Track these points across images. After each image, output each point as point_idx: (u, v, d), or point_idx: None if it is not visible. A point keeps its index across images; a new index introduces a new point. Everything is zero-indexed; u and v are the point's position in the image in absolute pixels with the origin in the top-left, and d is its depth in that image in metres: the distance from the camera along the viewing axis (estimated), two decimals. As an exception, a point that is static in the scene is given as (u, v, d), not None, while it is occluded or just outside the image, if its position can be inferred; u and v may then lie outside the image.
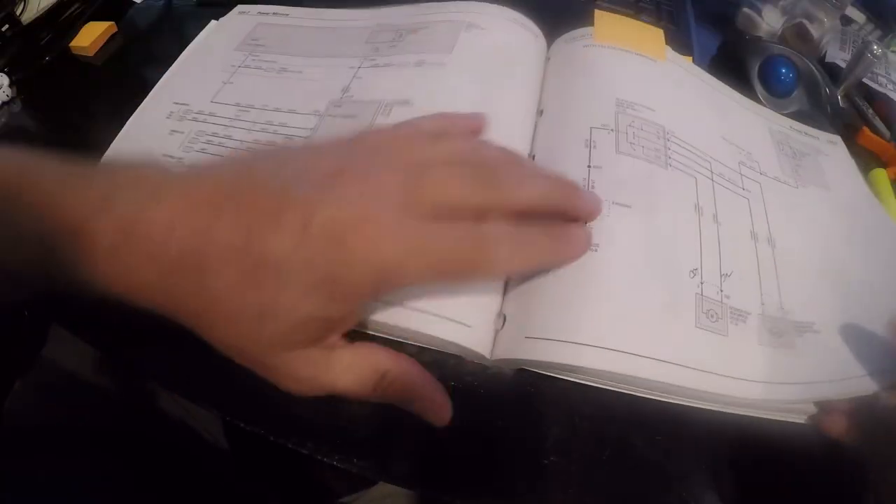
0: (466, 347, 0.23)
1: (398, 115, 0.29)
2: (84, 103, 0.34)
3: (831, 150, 0.36)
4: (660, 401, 0.24)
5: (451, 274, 0.20)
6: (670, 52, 0.35)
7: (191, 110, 0.32)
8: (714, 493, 0.23)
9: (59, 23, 0.42)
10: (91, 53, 0.40)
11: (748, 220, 0.29)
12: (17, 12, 0.40)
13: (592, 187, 0.27)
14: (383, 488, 0.40)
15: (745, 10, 0.45)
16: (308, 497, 0.43)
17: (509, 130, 0.29)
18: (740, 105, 0.36)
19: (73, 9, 0.42)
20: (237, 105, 0.32)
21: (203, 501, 0.34)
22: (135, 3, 0.45)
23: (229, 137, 0.30)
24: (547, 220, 0.24)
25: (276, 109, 0.31)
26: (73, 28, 0.41)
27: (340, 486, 0.42)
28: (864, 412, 0.23)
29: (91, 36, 0.40)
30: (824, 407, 0.24)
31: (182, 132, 0.30)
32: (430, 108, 0.28)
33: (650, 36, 0.36)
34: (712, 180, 0.29)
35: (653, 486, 0.23)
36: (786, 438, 0.23)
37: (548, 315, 0.24)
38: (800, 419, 0.24)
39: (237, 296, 0.17)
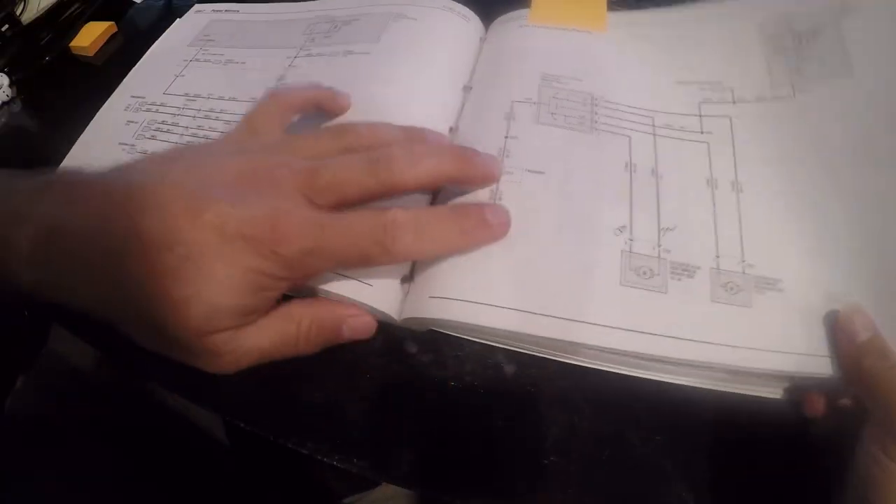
0: (370, 306, 0.24)
1: None
2: (84, 103, 0.34)
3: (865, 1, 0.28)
4: (657, 401, 0.24)
5: (355, 263, 0.22)
6: (614, 17, 0.35)
7: (145, 102, 0.34)
8: (713, 491, 0.23)
9: (59, 23, 0.42)
10: (91, 53, 0.40)
11: (705, 166, 0.28)
12: (17, 12, 0.40)
13: (507, 156, 0.28)
14: (385, 490, 0.40)
15: None
16: (308, 497, 0.43)
17: (431, 109, 0.31)
18: (717, 18, 0.33)
19: (73, 9, 0.43)
20: (185, 95, 0.34)
21: (203, 500, 0.35)
22: (135, 3, 0.45)
23: (176, 125, 0.33)
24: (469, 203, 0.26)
25: (220, 98, 0.34)
26: (73, 28, 0.41)
27: (341, 487, 0.42)
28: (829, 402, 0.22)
29: (91, 36, 0.40)
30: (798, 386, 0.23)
31: (136, 122, 0.33)
32: (354, 92, 0.31)
33: (590, 8, 0.36)
34: (653, 135, 0.29)
35: (652, 486, 0.23)
36: (789, 437, 0.23)
37: (452, 275, 0.24)
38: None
39: (163, 291, 0.18)
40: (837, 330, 0.22)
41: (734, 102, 0.29)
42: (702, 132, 0.29)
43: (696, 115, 0.30)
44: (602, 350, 0.23)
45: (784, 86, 0.28)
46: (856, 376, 0.21)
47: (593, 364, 0.24)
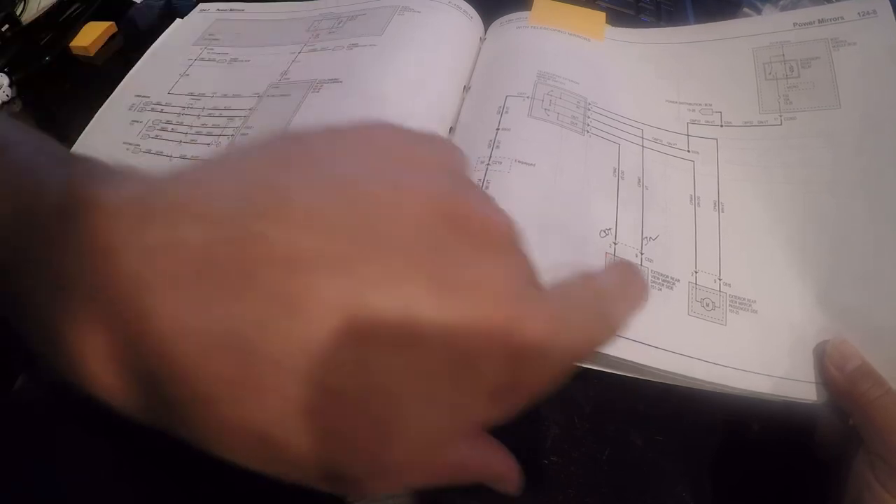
0: None
1: (327, 92, 0.32)
2: (84, 103, 0.34)
3: (861, 34, 0.28)
4: (658, 401, 0.24)
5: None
6: (612, 32, 0.35)
7: (150, 101, 0.34)
8: (712, 492, 0.23)
9: (59, 23, 0.42)
10: (91, 53, 0.40)
11: (689, 184, 0.28)
12: (17, 12, 0.40)
13: (497, 147, 0.28)
14: (384, 488, 0.40)
15: (745, 10, 0.45)
16: (308, 497, 0.43)
17: (433, 105, 0.31)
18: (713, 41, 0.33)
19: (73, 9, 0.42)
20: (190, 94, 0.34)
21: (204, 499, 0.34)
22: (135, 3, 0.45)
23: (181, 124, 0.33)
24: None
25: (224, 96, 0.34)
26: (73, 28, 0.41)
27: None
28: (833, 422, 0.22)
29: (91, 36, 0.40)
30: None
31: (141, 122, 0.33)
32: (358, 85, 0.31)
33: (590, 18, 0.36)
34: (642, 146, 0.29)
35: (652, 486, 0.23)
36: (789, 441, 0.23)
37: None
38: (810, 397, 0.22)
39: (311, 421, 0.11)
40: (826, 359, 0.22)
41: (721, 126, 0.30)
42: (688, 151, 0.29)
43: (683, 135, 0.30)
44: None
45: (772, 113, 0.29)
46: (848, 403, 0.21)
47: (581, 364, 0.24)
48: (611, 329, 0.15)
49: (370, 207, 0.11)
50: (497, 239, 0.13)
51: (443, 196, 0.12)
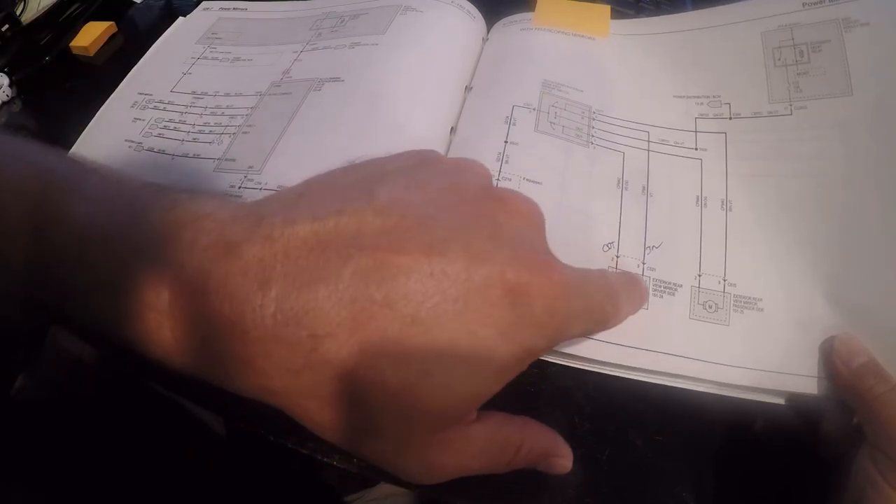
0: None
1: (329, 91, 0.32)
2: (84, 103, 0.34)
3: (874, 14, 0.27)
4: (658, 401, 0.24)
5: (592, 331, 0.20)
6: (617, 26, 0.35)
7: (153, 100, 0.34)
8: (713, 492, 0.23)
9: (59, 23, 0.42)
10: (91, 53, 0.40)
11: (696, 184, 0.27)
12: (17, 12, 0.40)
13: (506, 162, 0.28)
14: (385, 488, 0.40)
15: (746, 8, 0.45)
16: (309, 497, 0.43)
17: (435, 105, 0.31)
18: (720, 26, 0.32)
19: (73, 9, 0.43)
20: (193, 93, 0.34)
21: (206, 500, 0.35)
22: (135, 3, 0.45)
23: (184, 122, 0.33)
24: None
25: (226, 94, 0.34)
26: (73, 28, 0.41)
27: (341, 486, 0.43)
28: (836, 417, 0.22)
29: (91, 36, 0.41)
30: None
31: (143, 119, 0.33)
32: (360, 84, 0.32)
33: (594, 14, 0.36)
34: (648, 150, 0.29)
35: (652, 486, 0.23)
36: (790, 441, 0.23)
37: None
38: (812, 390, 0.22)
39: (368, 373, 0.14)
40: (833, 355, 0.22)
41: (730, 118, 0.29)
42: (696, 149, 0.29)
43: (691, 131, 0.30)
44: (582, 359, 0.23)
45: (782, 102, 0.28)
46: (853, 399, 0.21)
47: (581, 366, 0.24)
48: (615, 310, 0.19)
49: (437, 194, 0.16)
50: (525, 211, 0.17)
51: (486, 187, 0.18)
